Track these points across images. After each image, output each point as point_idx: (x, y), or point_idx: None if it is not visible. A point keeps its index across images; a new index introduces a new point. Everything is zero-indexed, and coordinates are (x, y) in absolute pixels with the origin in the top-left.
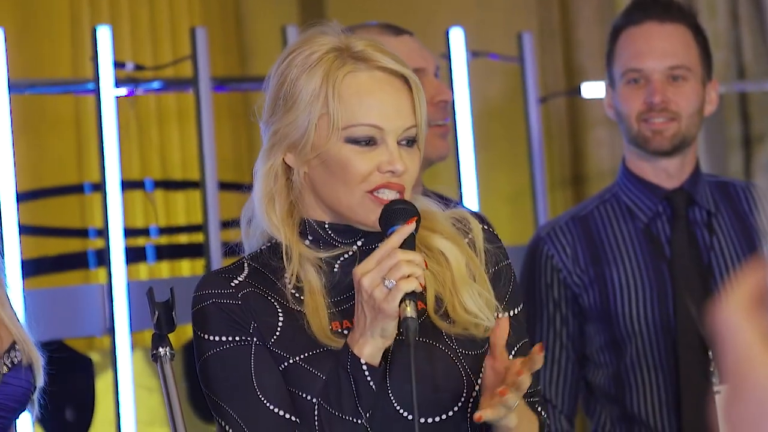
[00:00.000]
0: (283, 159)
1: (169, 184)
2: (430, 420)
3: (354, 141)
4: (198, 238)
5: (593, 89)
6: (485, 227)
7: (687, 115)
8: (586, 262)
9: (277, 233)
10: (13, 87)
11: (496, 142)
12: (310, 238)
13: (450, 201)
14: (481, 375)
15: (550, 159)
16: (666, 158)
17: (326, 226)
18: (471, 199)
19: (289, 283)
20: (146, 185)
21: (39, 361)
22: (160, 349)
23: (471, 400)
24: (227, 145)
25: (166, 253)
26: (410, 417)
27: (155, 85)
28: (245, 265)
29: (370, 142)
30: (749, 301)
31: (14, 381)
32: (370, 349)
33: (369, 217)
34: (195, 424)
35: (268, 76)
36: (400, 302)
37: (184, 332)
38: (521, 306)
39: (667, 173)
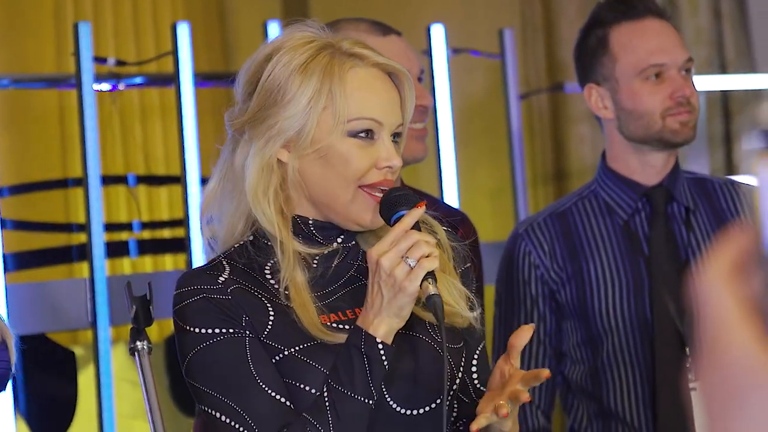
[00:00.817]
0: (277, 154)
1: (152, 179)
2: (414, 412)
3: (355, 134)
4: (181, 233)
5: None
6: (448, 230)
7: (697, 106)
8: (563, 258)
9: (271, 228)
10: None
11: (478, 139)
12: (300, 237)
13: (426, 196)
14: (461, 368)
15: (532, 155)
16: (658, 152)
17: (310, 222)
18: (451, 196)
19: (273, 279)
20: (129, 180)
21: (11, 339)
22: (138, 343)
23: (451, 393)
24: (211, 141)
25: (149, 247)
26: (400, 409)
27: (137, 80)
28: (224, 263)
29: (369, 135)
30: (729, 269)
31: None
32: (385, 328)
33: (363, 216)
34: (177, 418)
35: (244, 74)
36: (422, 281)
37: (166, 326)
38: (482, 309)
39: (655, 169)
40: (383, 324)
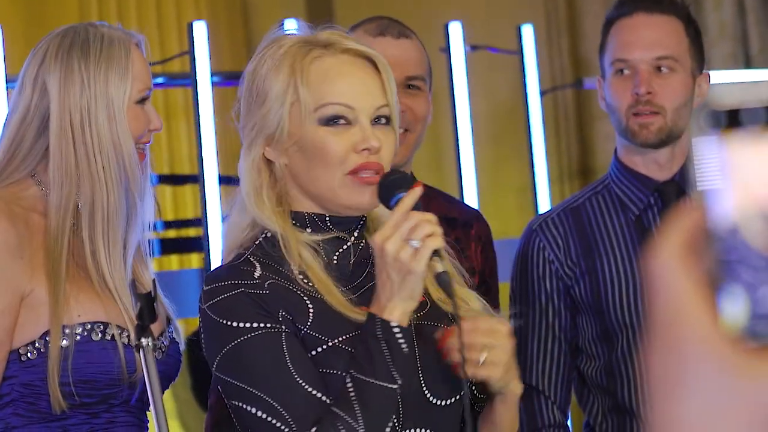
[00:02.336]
0: (263, 153)
1: (176, 179)
2: (443, 402)
3: (326, 122)
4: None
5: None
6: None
7: (672, 108)
8: (577, 253)
9: (271, 224)
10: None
11: (504, 136)
12: (309, 229)
13: (438, 193)
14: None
15: (558, 151)
16: (655, 150)
17: (327, 218)
18: (471, 194)
19: (296, 271)
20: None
21: (181, 335)
22: (143, 340)
23: (473, 384)
24: (234, 140)
25: (172, 246)
26: (433, 399)
27: (159, 80)
28: (251, 259)
29: (343, 121)
30: (681, 247)
31: (174, 354)
32: (399, 312)
33: (353, 198)
34: (201, 417)
35: (241, 87)
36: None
37: (192, 324)
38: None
39: (658, 165)
40: (397, 308)
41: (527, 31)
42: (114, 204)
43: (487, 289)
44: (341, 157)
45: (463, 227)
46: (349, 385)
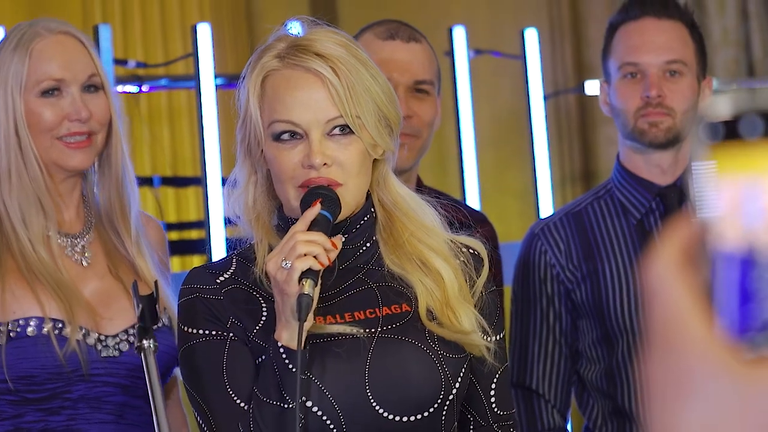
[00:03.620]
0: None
1: (178, 181)
2: (405, 419)
3: (276, 137)
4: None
5: (597, 87)
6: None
7: (681, 111)
8: (579, 257)
9: (249, 228)
10: None
11: (508, 140)
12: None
13: (445, 197)
14: (459, 379)
15: (560, 156)
16: (660, 152)
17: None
18: (473, 198)
19: (260, 278)
20: (154, 182)
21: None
22: (144, 342)
23: (447, 402)
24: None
25: (174, 248)
26: (388, 415)
27: (163, 82)
28: (233, 260)
29: (293, 136)
30: (679, 258)
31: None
32: (287, 333)
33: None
34: None
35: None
36: (300, 280)
37: None
38: (503, 333)
39: (661, 168)
40: (284, 329)
41: (531, 36)
42: (15, 192)
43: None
44: (290, 173)
45: (468, 229)
46: (252, 401)
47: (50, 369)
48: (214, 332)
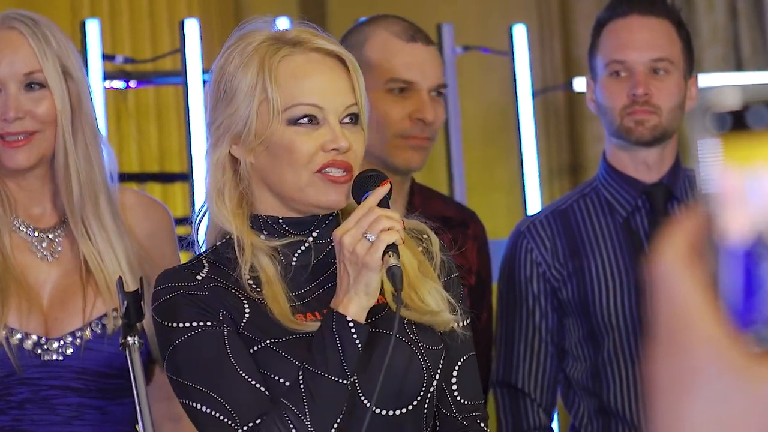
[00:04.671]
0: (229, 151)
1: (165, 177)
2: (391, 413)
3: (295, 122)
4: None
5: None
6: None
7: (668, 109)
8: (565, 255)
9: (228, 225)
10: None
11: (495, 137)
12: (265, 232)
13: (435, 194)
14: (438, 370)
15: (548, 152)
16: (646, 150)
17: (280, 220)
18: (460, 194)
19: (246, 275)
20: (140, 178)
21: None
22: (129, 338)
23: (428, 395)
24: None
25: None
26: (379, 411)
27: (148, 77)
28: (203, 261)
29: (312, 121)
30: (687, 251)
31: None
32: (355, 307)
33: (321, 197)
34: None
35: (208, 85)
36: (383, 254)
37: None
38: (469, 319)
39: (647, 165)
40: (352, 302)
41: (519, 32)
42: None
43: (483, 289)
44: (309, 157)
45: (459, 226)
46: (300, 377)
47: None
48: (209, 323)
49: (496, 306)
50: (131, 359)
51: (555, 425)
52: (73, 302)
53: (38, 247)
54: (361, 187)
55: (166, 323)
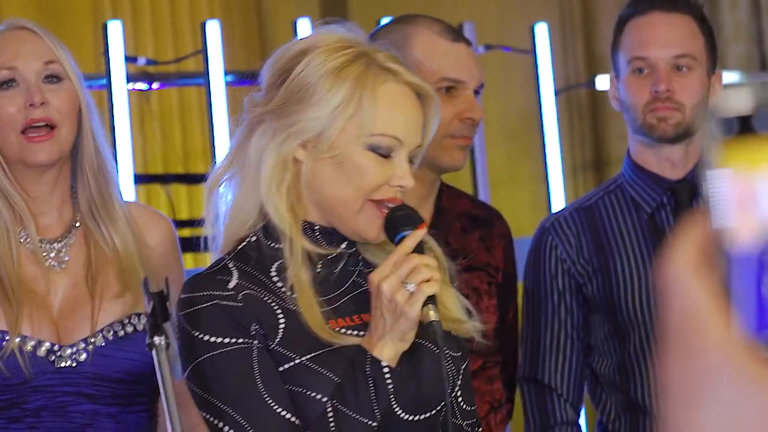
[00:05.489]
0: (294, 152)
1: (190, 178)
2: (416, 418)
3: (375, 149)
4: None
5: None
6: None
7: (691, 105)
8: (590, 252)
9: (281, 224)
10: None
11: (518, 136)
12: (307, 238)
13: (462, 194)
14: (460, 376)
15: (572, 151)
16: (670, 146)
17: (316, 227)
18: (484, 193)
19: (280, 281)
20: (165, 179)
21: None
22: (156, 338)
23: (450, 400)
24: None
25: (186, 245)
26: (403, 415)
27: (171, 79)
28: (230, 266)
29: (387, 152)
30: (696, 257)
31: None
32: (389, 352)
33: (366, 226)
34: None
35: (274, 63)
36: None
37: None
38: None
39: (671, 162)
40: (387, 347)
41: (541, 30)
42: None
43: (509, 286)
44: (375, 186)
45: (486, 225)
46: (330, 414)
47: (1, 381)
48: (240, 340)
49: (522, 303)
50: (158, 360)
51: (582, 421)
52: (82, 310)
53: (46, 258)
54: (395, 225)
55: (196, 333)
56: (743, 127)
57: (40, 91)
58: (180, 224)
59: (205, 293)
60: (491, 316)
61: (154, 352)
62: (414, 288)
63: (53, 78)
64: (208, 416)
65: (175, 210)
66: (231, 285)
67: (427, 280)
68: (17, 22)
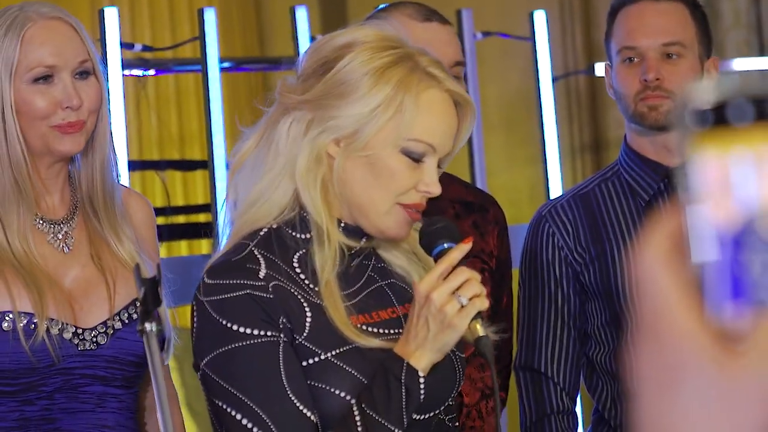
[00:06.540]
0: (327, 146)
1: (185, 164)
2: (424, 416)
3: (408, 153)
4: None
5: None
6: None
7: (679, 92)
8: (587, 239)
9: (317, 216)
10: None
11: (516, 122)
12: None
13: (457, 180)
14: (462, 375)
15: (570, 137)
16: (665, 133)
17: (342, 224)
18: (481, 180)
19: (302, 273)
20: (160, 165)
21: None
22: (147, 325)
23: (452, 399)
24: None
25: (181, 232)
26: (414, 415)
27: (167, 65)
28: (256, 253)
29: (420, 158)
30: (667, 249)
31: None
32: (427, 361)
33: (393, 228)
34: None
35: (316, 52)
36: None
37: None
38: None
39: (667, 149)
40: (425, 357)
41: (540, 17)
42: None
43: (503, 273)
44: (405, 190)
45: (479, 211)
46: (357, 417)
47: (24, 364)
48: (269, 333)
49: (518, 290)
50: (149, 346)
51: (578, 409)
52: (96, 293)
53: (55, 239)
54: (432, 237)
55: (224, 322)
56: (717, 118)
57: (77, 94)
58: (175, 211)
59: (236, 281)
60: None
61: (144, 338)
62: (466, 302)
63: (84, 74)
64: (224, 406)
65: (170, 196)
66: (261, 275)
67: (478, 295)
68: (51, 11)
